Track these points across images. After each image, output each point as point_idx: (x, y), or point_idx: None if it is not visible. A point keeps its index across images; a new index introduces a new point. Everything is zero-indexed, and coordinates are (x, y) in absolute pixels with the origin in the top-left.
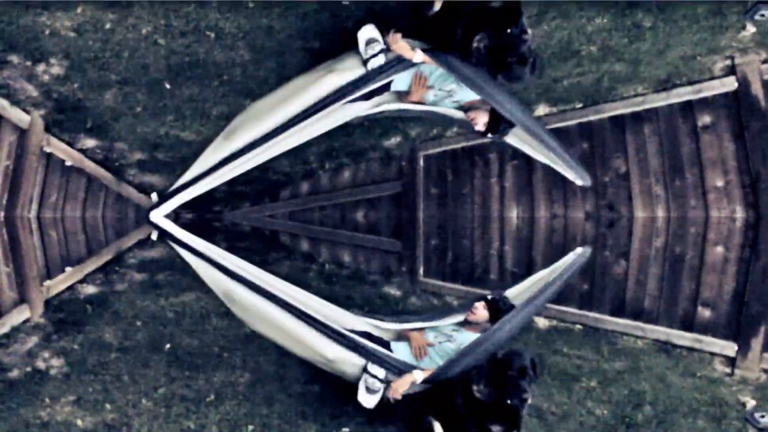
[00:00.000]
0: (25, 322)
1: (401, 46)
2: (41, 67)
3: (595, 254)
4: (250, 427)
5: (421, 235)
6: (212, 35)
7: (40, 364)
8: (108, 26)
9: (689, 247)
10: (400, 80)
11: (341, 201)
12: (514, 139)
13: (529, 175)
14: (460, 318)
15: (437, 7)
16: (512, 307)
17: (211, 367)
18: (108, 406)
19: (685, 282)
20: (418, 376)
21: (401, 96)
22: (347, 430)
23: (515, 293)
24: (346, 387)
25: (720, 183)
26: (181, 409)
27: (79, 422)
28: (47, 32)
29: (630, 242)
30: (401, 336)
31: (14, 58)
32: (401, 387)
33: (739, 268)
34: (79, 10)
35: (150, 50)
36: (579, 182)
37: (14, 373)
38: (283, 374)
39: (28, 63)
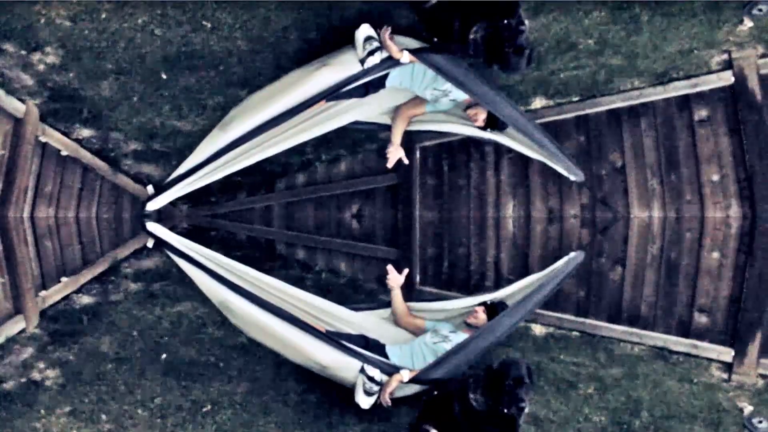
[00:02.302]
0: (20, 332)
1: (390, 45)
2: (36, 56)
3: (591, 261)
4: None
5: (417, 243)
6: (209, 25)
7: (36, 375)
8: (104, 15)
9: (685, 253)
10: (395, 77)
11: (337, 192)
12: (508, 138)
13: (524, 168)
14: (453, 306)
15: None
16: None
17: (207, 376)
18: (104, 416)
19: (681, 288)
20: (405, 375)
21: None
22: None
23: (510, 293)
24: (343, 396)
25: (716, 177)
26: (178, 419)
27: None
28: (42, 21)
29: (626, 248)
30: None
31: (9, 47)
32: (390, 387)
33: (735, 273)
34: None
35: (146, 40)
36: (572, 178)
37: (9, 385)
38: (280, 383)
39: (23, 52)
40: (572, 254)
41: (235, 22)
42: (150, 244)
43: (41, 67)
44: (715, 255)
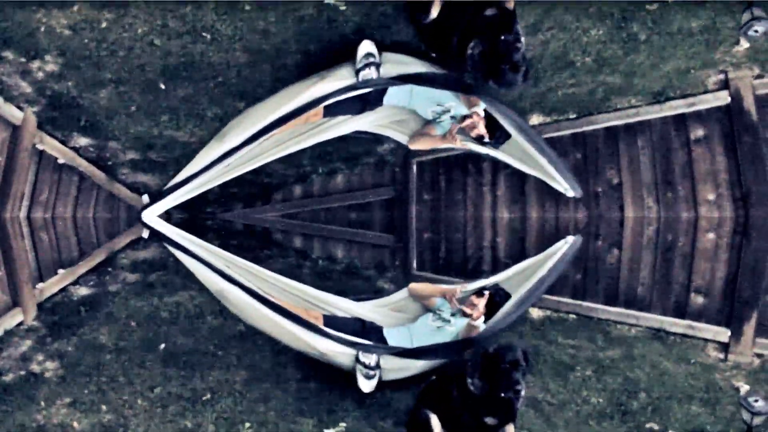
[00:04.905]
0: (18, 325)
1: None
2: (36, 64)
3: (588, 243)
4: (247, 425)
5: (414, 229)
6: (208, 37)
7: (35, 368)
8: (104, 25)
9: (681, 235)
10: (393, 95)
11: (334, 205)
12: (504, 155)
13: (521, 184)
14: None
15: (434, 14)
16: (507, 295)
17: (206, 365)
18: (104, 407)
19: (677, 269)
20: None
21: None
22: (344, 425)
23: (506, 277)
24: (342, 383)
25: (711, 196)
26: (178, 408)
27: (75, 424)
28: (43, 29)
29: (622, 231)
30: (407, 302)
31: (9, 54)
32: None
33: (731, 254)
34: (75, 8)
35: (146, 50)
36: (570, 193)
37: (9, 377)
38: (279, 371)
39: (23, 59)
40: (570, 238)
41: (234, 33)
42: (145, 234)
43: (40, 74)
44: (711, 236)
